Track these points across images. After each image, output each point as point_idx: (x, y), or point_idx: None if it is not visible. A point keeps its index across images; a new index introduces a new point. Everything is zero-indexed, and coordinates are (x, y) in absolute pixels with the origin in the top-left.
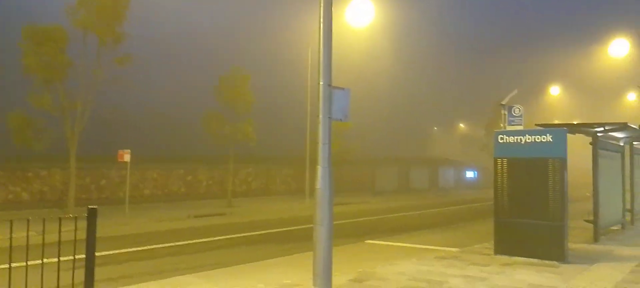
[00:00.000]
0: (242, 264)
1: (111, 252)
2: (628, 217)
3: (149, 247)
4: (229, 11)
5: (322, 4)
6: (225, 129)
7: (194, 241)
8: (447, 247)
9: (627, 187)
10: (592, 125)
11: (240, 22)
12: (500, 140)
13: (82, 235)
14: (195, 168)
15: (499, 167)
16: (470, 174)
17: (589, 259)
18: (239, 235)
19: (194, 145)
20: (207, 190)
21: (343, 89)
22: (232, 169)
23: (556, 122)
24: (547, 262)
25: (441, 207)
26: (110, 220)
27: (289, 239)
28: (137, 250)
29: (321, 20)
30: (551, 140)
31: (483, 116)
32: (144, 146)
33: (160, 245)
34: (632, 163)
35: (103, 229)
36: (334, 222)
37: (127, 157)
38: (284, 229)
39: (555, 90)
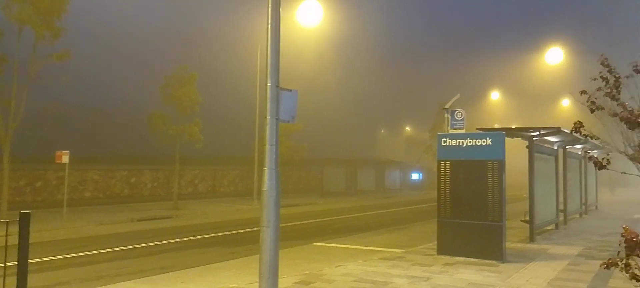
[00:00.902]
0: (187, 268)
1: (47, 258)
2: (561, 217)
3: (88, 252)
4: (178, 9)
5: (270, 4)
6: (171, 129)
7: (138, 245)
8: (393, 248)
9: (561, 188)
10: (528, 129)
11: (189, 20)
12: (443, 143)
13: (15, 240)
14: (140, 169)
15: (442, 168)
16: (415, 176)
17: (526, 258)
18: (184, 238)
19: (138, 146)
20: (152, 192)
21: (291, 90)
22: (178, 171)
23: (496, 125)
24: (487, 261)
25: (387, 209)
26: (46, 224)
27: (236, 242)
28: (75, 256)
29: (269, 20)
30: (490, 143)
31: (428, 119)
32: (85, 146)
33: (101, 250)
34: (565, 166)
35: (39, 234)
36: (282, 224)
37: (65, 158)
38: (231, 232)
39: (495, 95)
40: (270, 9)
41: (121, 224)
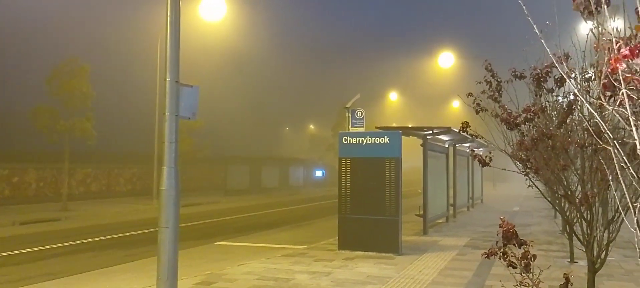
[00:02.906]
0: (78, 274)
1: None
2: (451, 211)
3: None
4: None
5: None
6: (59, 124)
7: (21, 251)
8: (295, 244)
9: (451, 184)
10: (422, 129)
11: (85, 9)
12: (344, 141)
13: None
14: (23, 168)
15: (343, 166)
16: (318, 173)
17: (419, 250)
18: (75, 242)
19: (21, 142)
20: (38, 192)
21: (191, 86)
22: (67, 169)
23: (393, 125)
24: (384, 254)
25: (291, 206)
26: None
27: (133, 244)
28: None
29: (168, 12)
30: (388, 141)
31: (330, 118)
32: None
33: None
34: (454, 163)
35: None
36: (182, 224)
37: None
38: (128, 233)
39: (393, 96)
40: (169, 0)
41: (1, 228)
